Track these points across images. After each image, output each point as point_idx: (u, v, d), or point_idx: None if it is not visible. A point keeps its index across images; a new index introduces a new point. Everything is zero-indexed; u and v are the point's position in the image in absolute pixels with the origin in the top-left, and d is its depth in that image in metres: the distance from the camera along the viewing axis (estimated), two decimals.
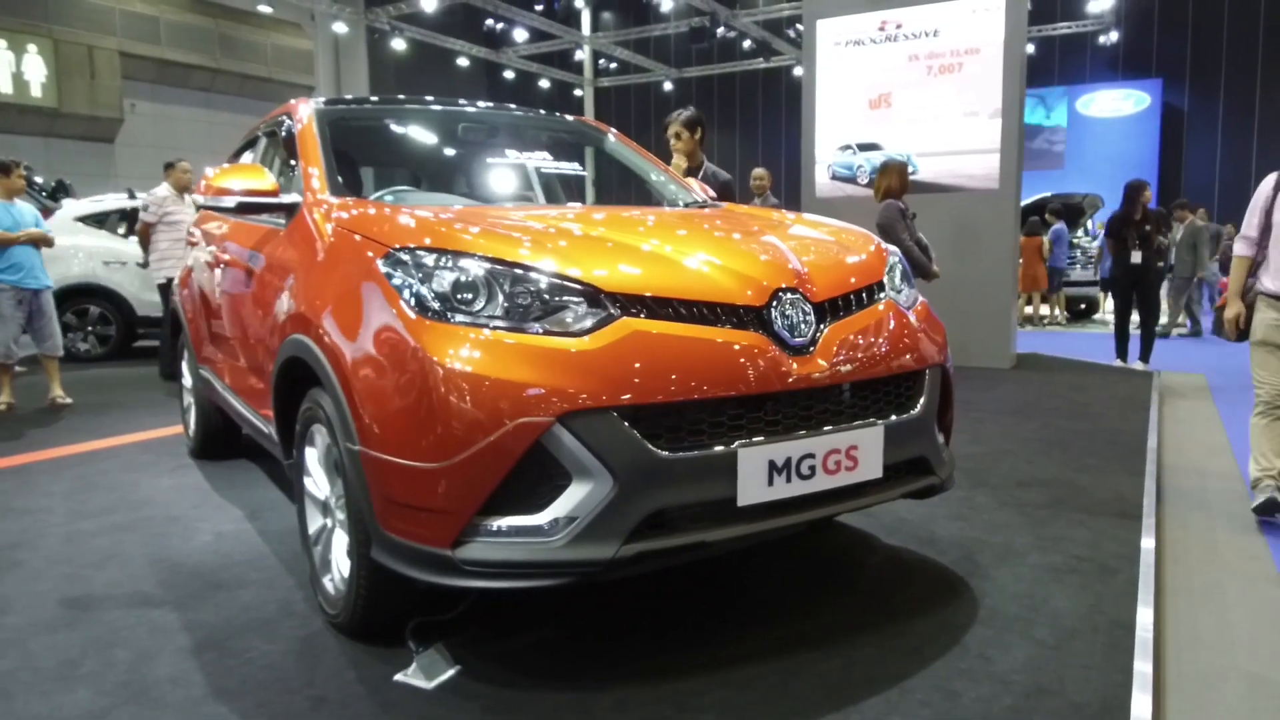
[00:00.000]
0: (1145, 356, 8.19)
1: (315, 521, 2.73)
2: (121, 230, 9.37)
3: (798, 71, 28.16)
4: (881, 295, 2.60)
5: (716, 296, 2.22)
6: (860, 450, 2.31)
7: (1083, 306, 14.63)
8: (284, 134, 3.61)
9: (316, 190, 2.97)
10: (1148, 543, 3.25)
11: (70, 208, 9.32)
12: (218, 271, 3.86)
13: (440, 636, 2.48)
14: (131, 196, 9.40)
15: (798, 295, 2.32)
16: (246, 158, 4.20)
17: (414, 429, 2.08)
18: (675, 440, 2.09)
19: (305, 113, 3.41)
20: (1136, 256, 8.03)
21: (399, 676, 2.29)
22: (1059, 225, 13.45)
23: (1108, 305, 14.75)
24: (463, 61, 27.21)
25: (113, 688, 2.29)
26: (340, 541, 2.54)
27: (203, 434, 4.63)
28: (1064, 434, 5.10)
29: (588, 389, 2.02)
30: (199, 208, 3.28)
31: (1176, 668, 2.46)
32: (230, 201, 3.00)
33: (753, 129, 31.66)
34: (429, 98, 3.83)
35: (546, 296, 2.16)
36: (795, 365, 2.23)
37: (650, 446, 2.04)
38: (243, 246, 3.47)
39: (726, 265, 2.34)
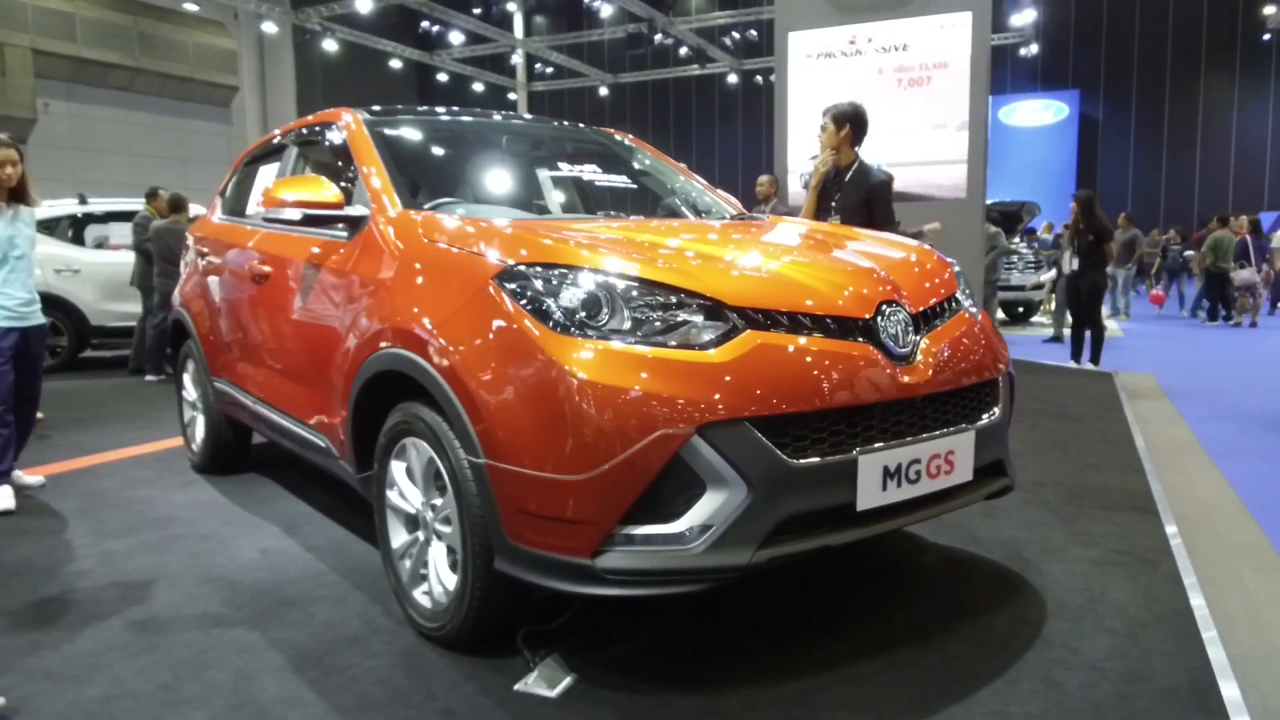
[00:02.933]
0: (1095, 358, 8.61)
1: (400, 535, 2.73)
2: (70, 235, 9.01)
3: (731, 79, 28.61)
4: (958, 305, 2.73)
5: (829, 309, 2.32)
6: (956, 455, 2.43)
7: (1020, 310, 15.22)
8: (327, 143, 3.57)
9: (385, 202, 2.97)
10: (1172, 532, 3.47)
11: None
12: (245, 283, 3.78)
13: (544, 645, 2.50)
14: (83, 202, 9.04)
15: (897, 307, 2.43)
16: (269, 169, 4.12)
17: (552, 442, 2.11)
18: (801, 449, 2.17)
19: (353, 121, 3.39)
20: (1075, 264, 8.52)
21: (519, 686, 2.31)
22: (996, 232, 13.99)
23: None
24: (395, 64, 26.84)
25: (226, 710, 2.25)
26: (439, 554, 2.55)
27: (212, 447, 4.52)
28: (1056, 434, 5.35)
29: (723, 400, 2.09)
30: (264, 219, 3.21)
31: (1233, 651, 2.64)
32: (295, 214, 2.96)
33: (686, 134, 31.96)
34: (458, 109, 3.84)
35: (671, 310, 2.22)
36: (901, 374, 2.33)
37: (781, 455, 2.12)
38: (288, 258, 3.42)
39: (831, 279, 2.44)
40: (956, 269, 2.93)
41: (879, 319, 2.36)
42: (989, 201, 15.27)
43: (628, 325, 2.19)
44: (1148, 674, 2.35)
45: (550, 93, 31.86)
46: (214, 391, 4.32)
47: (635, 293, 2.23)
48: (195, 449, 4.72)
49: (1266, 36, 24.75)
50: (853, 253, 2.77)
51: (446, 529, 2.48)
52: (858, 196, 4.47)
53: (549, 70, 30.54)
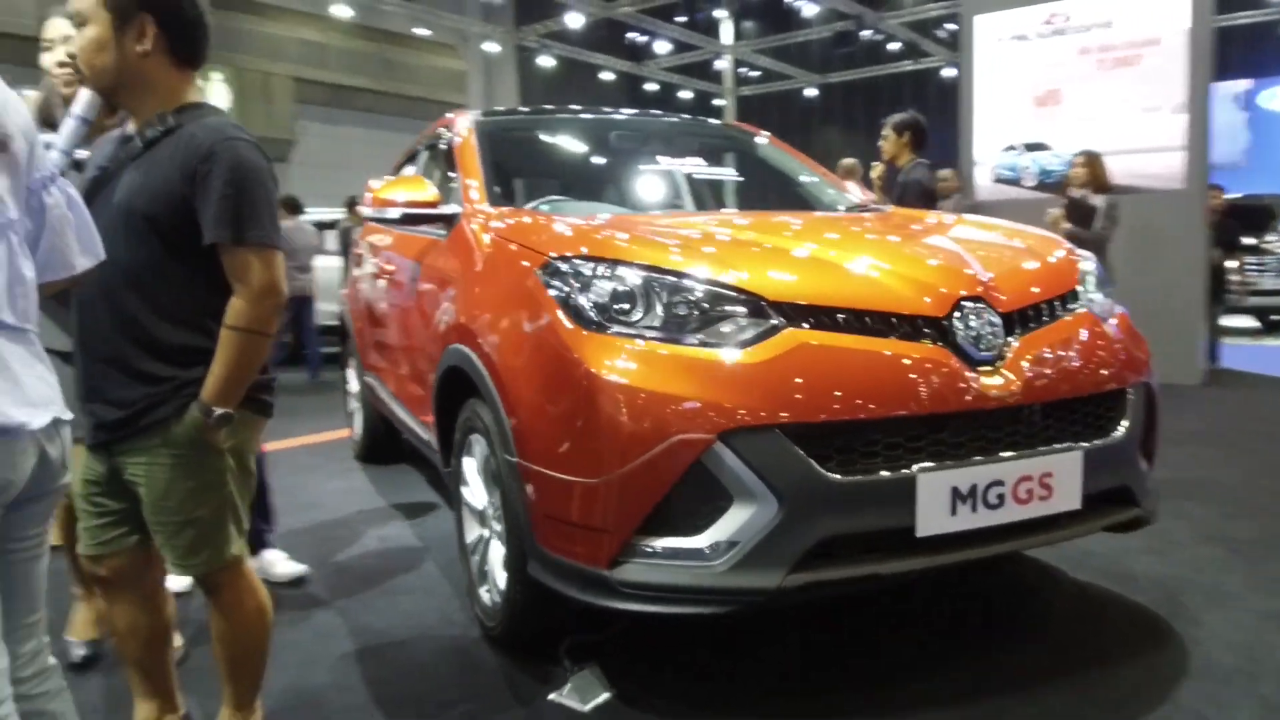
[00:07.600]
0: None
1: (472, 531, 2.73)
2: None
3: (946, 72, 27.08)
4: (1075, 305, 2.36)
5: (891, 306, 2.06)
6: (1056, 478, 2.09)
7: (1273, 317, 13.33)
8: (443, 146, 3.67)
9: (475, 200, 2.99)
10: None
11: None
12: (381, 282, 3.97)
13: (593, 655, 2.40)
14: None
15: (982, 304, 2.12)
16: (408, 171, 4.31)
17: (571, 442, 2.02)
18: (847, 463, 1.94)
19: (463, 125, 3.46)
20: None
21: (553, 696, 2.23)
22: None
23: None
24: (607, 75, 27.68)
25: (279, 692, 2.33)
26: (498, 553, 2.52)
27: (368, 438, 4.78)
28: (1271, 461, 4.57)
29: (750, 404, 1.90)
30: (364, 220, 3.34)
31: None
32: (394, 213, 3.05)
33: None
34: (579, 107, 3.83)
35: (706, 306, 2.06)
36: (981, 382, 2.03)
37: (819, 469, 1.90)
38: (404, 257, 3.54)
39: (900, 271, 2.18)
40: (1086, 264, 2.54)
41: (955, 317, 2.07)
42: (1231, 196, 13.50)
43: (659, 322, 2.05)
44: None
45: (758, 96, 31.62)
46: (364, 385, 4.57)
47: (670, 288, 2.08)
48: (356, 439, 5.02)
49: None
50: (946, 243, 2.46)
51: (500, 527, 2.44)
52: (901, 194, 4.89)
53: (756, 74, 30.32)
